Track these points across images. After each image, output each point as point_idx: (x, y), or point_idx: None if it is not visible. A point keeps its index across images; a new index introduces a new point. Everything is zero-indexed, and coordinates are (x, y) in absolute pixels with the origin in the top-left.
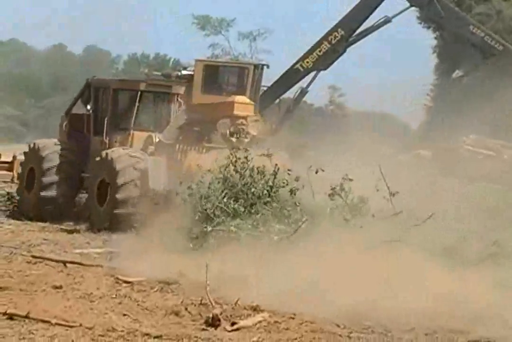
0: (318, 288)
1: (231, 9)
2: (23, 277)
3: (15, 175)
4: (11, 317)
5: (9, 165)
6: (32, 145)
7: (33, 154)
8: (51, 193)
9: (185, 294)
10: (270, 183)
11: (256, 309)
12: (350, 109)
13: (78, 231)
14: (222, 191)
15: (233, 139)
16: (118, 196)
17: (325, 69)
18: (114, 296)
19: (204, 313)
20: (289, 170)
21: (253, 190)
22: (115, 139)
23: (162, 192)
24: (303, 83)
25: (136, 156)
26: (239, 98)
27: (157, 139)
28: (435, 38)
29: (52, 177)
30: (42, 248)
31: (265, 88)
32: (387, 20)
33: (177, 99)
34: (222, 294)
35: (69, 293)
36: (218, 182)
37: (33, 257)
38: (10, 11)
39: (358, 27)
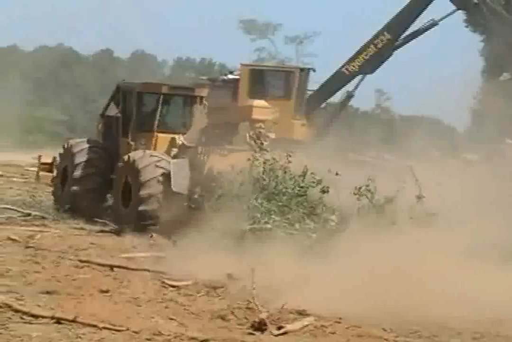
0: (363, 292)
1: (277, 13)
2: (71, 281)
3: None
4: (58, 321)
5: (50, 167)
6: (65, 145)
7: (67, 153)
8: (82, 187)
9: (231, 298)
10: (301, 183)
11: (302, 313)
12: (396, 113)
13: (124, 235)
14: (253, 192)
15: (253, 142)
16: (141, 192)
17: (371, 73)
18: (160, 300)
19: (251, 317)
20: (312, 173)
21: (284, 190)
22: (140, 141)
23: (185, 194)
24: (349, 87)
25: (157, 156)
26: (258, 102)
27: (180, 142)
28: (482, 41)
29: (82, 171)
30: (89, 252)
31: (311, 92)
32: (433, 23)
33: (201, 102)
34: (268, 296)
35: (116, 297)
36: (249, 183)
37: (81, 261)
38: (58, 17)
39: (404, 31)
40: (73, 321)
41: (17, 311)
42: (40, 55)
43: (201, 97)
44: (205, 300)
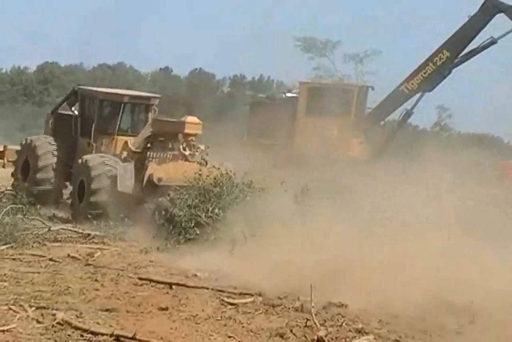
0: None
1: (336, 31)
2: (130, 299)
3: None
4: (117, 338)
5: (1, 154)
6: (24, 141)
7: (26, 148)
8: (45, 175)
9: (290, 316)
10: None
11: (361, 331)
12: (456, 131)
13: (181, 254)
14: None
15: (186, 152)
16: (92, 186)
17: (430, 90)
18: (219, 318)
19: (309, 335)
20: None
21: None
22: (100, 143)
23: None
24: (408, 105)
25: (106, 157)
26: (190, 118)
27: (129, 147)
28: None
29: (44, 162)
30: (148, 270)
31: (370, 110)
32: (493, 41)
33: (153, 110)
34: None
35: (174, 315)
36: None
37: (140, 279)
38: (116, 36)
39: (463, 49)
40: (132, 338)
41: (77, 328)
42: (101, 73)
43: (153, 106)
44: (264, 318)
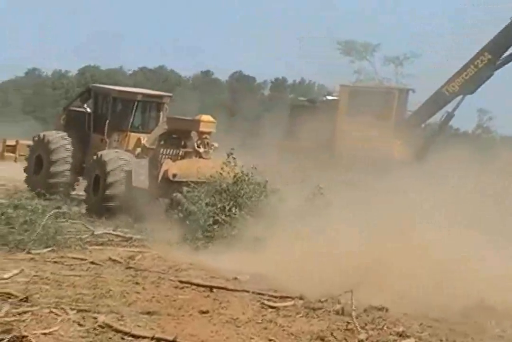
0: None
1: (376, 34)
2: (171, 302)
3: None
4: (158, 341)
5: (13, 148)
6: (37, 137)
7: (40, 143)
8: (59, 168)
9: (330, 319)
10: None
11: (402, 335)
12: (497, 134)
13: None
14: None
15: (200, 150)
16: (107, 179)
17: (471, 93)
18: (259, 321)
19: (350, 338)
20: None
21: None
22: (114, 138)
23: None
24: (449, 107)
25: (119, 151)
26: (204, 117)
27: (143, 143)
28: None
29: (58, 156)
30: (189, 273)
31: (410, 113)
32: None
33: (165, 108)
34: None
35: (215, 318)
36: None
37: (180, 282)
38: (158, 40)
39: (505, 51)
40: (173, 341)
41: (118, 331)
42: (142, 77)
43: (165, 104)
44: (304, 321)
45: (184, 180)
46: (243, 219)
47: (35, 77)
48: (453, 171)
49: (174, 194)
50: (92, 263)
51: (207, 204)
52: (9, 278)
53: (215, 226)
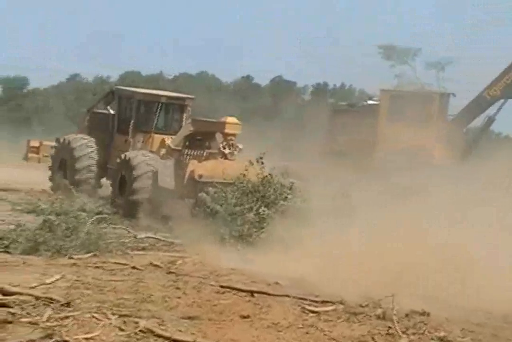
0: None
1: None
2: (212, 307)
3: None
4: None
5: (37, 149)
6: (61, 140)
7: (64, 146)
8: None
9: (371, 324)
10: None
11: (443, 340)
12: None
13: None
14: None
15: (226, 151)
16: (134, 185)
17: None
18: (300, 325)
19: None
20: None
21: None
22: (138, 140)
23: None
24: (490, 111)
25: (148, 156)
26: (230, 119)
27: (168, 144)
28: None
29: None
30: (230, 278)
31: (452, 117)
32: None
33: (188, 110)
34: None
35: (256, 323)
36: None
37: (221, 286)
38: (198, 46)
39: None
40: None
41: (159, 336)
42: (182, 82)
43: (188, 106)
44: (346, 326)
45: (210, 180)
46: (272, 219)
47: (76, 83)
48: (495, 174)
49: (200, 194)
50: (133, 268)
51: (235, 205)
52: (51, 283)
53: (245, 226)
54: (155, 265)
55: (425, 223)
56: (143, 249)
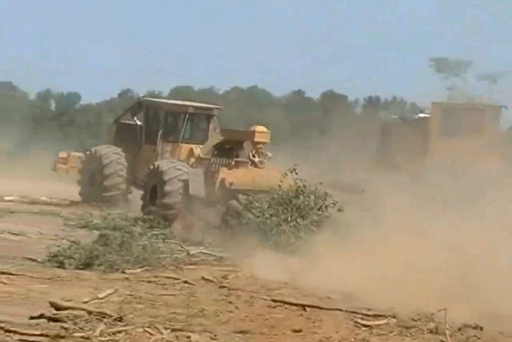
0: None
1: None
2: (264, 321)
3: None
4: None
5: (65, 160)
6: (90, 151)
7: (93, 158)
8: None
9: (424, 338)
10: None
11: None
12: None
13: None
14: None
15: (256, 159)
16: (165, 188)
17: None
18: (353, 340)
19: None
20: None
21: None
22: (166, 149)
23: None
24: None
25: (176, 162)
26: (259, 128)
27: (197, 153)
28: None
29: (110, 169)
30: (281, 292)
31: (505, 129)
32: None
33: (214, 120)
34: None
35: (308, 337)
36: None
37: (273, 301)
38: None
39: None
40: None
41: None
42: (233, 97)
43: (215, 116)
44: (398, 340)
45: (240, 188)
46: (308, 229)
47: (128, 98)
48: None
49: (231, 201)
50: (185, 282)
51: (271, 215)
52: (103, 297)
53: (283, 236)
54: (207, 280)
55: (477, 233)
56: (195, 263)
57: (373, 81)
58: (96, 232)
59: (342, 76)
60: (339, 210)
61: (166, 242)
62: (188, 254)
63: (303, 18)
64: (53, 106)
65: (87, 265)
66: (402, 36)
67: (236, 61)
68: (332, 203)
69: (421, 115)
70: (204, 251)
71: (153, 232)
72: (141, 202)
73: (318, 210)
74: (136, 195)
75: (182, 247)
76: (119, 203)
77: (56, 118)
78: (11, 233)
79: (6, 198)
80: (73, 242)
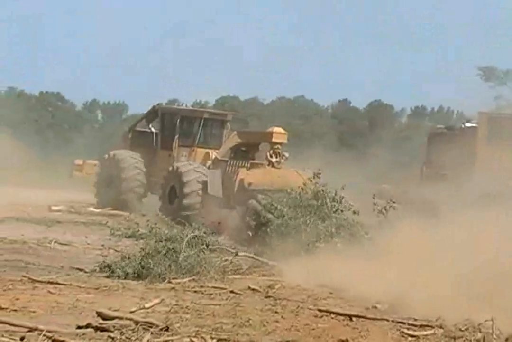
0: None
1: None
2: (310, 331)
3: None
4: None
5: (81, 167)
6: (107, 156)
7: (110, 161)
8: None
9: None
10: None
11: None
12: None
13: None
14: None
15: (273, 160)
16: (184, 189)
17: None
18: None
19: None
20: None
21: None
22: (181, 154)
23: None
24: None
25: (194, 165)
26: (277, 129)
27: (214, 156)
28: None
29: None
30: (328, 302)
31: None
32: None
33: (228, 125)
34: None
35: None
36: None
37: (319, 310)
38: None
39: None
40: None
41: None
42: (278, 106)
43: (228, 122)
44: None
45: (259, 188)
46: (329, 233)
47: None
48: None
49: (250, 201)
50: (231, 292)
51: (290, 218)
52: (150, 307)
53: (309, 240)
54: (253, 289)
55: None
56: (241, 273)
57: (420, 90)
58: (142, 242)
59: (388, 85)
60: (354, 213)
61: (211, 249)
62: (237, 254)
63: (352, 26)
64: (99, 116)
65: (136, 275)
66: (448, 45)
67: (282, 71)
68: (348, 206)
69: (468, 125)
70: (250, 255)
71: (202, 246)
72: (154, 205)
73: (334, 212)
74: (149, 198)
75: (229, 250)
76: (134, 206)
77: (102, 128)
78: (59, 243)
79: (54, 208)
80: (126, 255)
